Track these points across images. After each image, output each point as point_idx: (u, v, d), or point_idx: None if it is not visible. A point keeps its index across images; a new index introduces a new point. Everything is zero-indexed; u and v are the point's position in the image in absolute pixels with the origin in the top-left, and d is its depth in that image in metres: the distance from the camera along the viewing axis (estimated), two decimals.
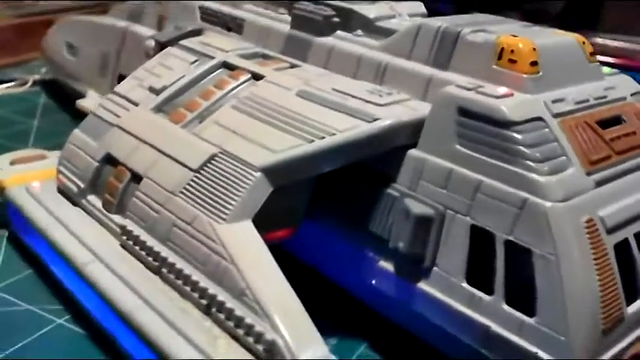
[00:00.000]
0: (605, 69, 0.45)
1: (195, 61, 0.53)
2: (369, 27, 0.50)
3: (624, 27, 1.05)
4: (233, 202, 0.40)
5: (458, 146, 0.39)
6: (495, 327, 0.37)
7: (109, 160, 0.48)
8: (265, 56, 0.53)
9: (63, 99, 0.84)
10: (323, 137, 0.41)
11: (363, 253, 0.43)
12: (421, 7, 0.53)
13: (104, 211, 0.46)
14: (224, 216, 0.39)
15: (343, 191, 0.44)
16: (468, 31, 0.43)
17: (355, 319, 0.46)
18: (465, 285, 0.38)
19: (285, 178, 0.41)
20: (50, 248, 0.47)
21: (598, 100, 0.41)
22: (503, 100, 0.38)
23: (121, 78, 0.65)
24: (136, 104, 0.50)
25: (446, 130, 0.39)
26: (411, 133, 0.41)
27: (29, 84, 0.92)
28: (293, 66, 0.51)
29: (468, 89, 0.39)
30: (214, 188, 0.41)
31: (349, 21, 0.50)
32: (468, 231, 0.38)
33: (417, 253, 0.40)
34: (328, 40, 0.51)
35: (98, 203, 0.47)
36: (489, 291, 0.37)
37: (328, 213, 0.45)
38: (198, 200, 0.41)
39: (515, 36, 0.41)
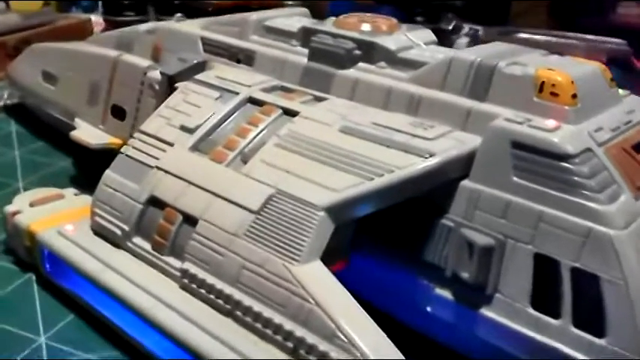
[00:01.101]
0: (620, 91, 0.49)
1: (219, 97, 0.54)
2: (392, 59, 0.52)
3: (529, 19, 1.10)
4: (303, 244, 0.41)
5: (514, 178, 0.42)
6: (564, 348, 0.40)
7: (154, 202, 0.49)
8: (284, 88, 0.55)
9: (35, 125, 0.84)
10: (382, 175, 0.43)
11: (417, 281, 0.45)
12: (431, 35, 0.56)
13: (156, 254, 0.47)
14: (297, 257, 0.41)
15: (393, 221, 0.46)
16: (504, 65, 0.45)
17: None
18: (530, 310, 0.41)
19: (346, 216, 0.43)
20: (102, 293, 0.47)
21: (626, 125, 0.45)
22: (556, 133, 0.41)
23: (115, 108, 0.66)
24: (170, 144, 0.51)
25: (500, 163, 0.42)
26: (463, 165, 0.44)
27: None
28: (317, 98, 0.52)
29: (519, 122, 0.42)
30: (279, 229, 0.42)
31: (371, 53, 0.52)
32: (532, 259, 0.41)
33: (480, 282, 0.42)
34: (352, 73, 0.53)
35: (146, 245, 0.48)
36: (555, 315, 0.40)
37: (378, 243, 0.47)
38: (266, 242, 0.42)
39: (551, 69, 0.44)
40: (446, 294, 0.44)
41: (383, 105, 0.50)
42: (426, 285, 0.45)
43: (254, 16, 0.61)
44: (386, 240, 0.47)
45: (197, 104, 0.53)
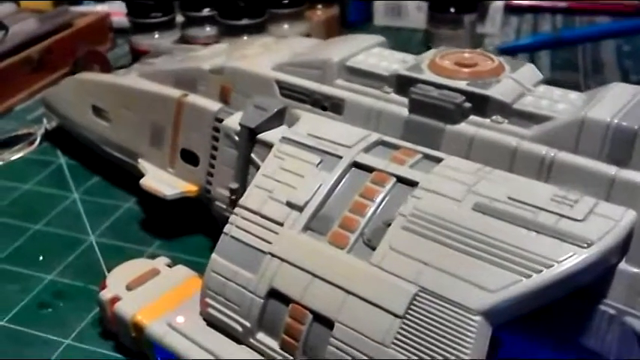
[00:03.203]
0: None
1: (321, 162, 0.50)
2: (507, 111, 0.48)
3: None
4: (464, 356, 0.38)
5: None
6: None
7: (276, 295, 0.46)
8: (387, 144, 0.51)
9: (82, 153, 0.81)
10: (539, 270, 0.40)
11: None
12: (537, 73, 0.52)
13: (286, 355, 0.45)
14: None
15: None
16: None
17: None
18: None
19: (503, 318, 0.40)
20: None
21: None
22: None
23: (186, 153, 0.62)
24: (279, 223, 0.48)
25: None
26: (621, 249, 0.41)
27: (38, 140, 0.86)
28: (427, 156, 0.49)
29: None
30: (431, 337, 0.40)
31: (483, 106, 0.49)
32: None
33: None
34: (465, 129, 0.49)
35: (273, 344, 0.46)
36: None
37: (530, 326, 0.44)
38: (418, 352, 0.40)
39: None
40: None
41: (507, 167, 0.47)
42: None
43: (336, 57, 0.56)
44: (537, 323, 0.44)
45: (298, 173, 0.50)
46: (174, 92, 0.65)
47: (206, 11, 1.00)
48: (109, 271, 0.60)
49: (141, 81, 0.70)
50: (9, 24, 1.02)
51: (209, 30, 1.00)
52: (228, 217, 0.57)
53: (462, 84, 0.50)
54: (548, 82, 0.52)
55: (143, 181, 0.66)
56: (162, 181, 0.66)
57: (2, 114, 0.94)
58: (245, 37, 0.94)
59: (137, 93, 0.69)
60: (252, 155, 0.57)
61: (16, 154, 0.83)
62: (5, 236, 0.66)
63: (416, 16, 1.18)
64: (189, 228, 0.67)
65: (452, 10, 1.05)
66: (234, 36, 0.95)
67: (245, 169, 0.58)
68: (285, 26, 1.00)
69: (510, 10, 1.22)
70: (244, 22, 0.94)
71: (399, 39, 1.16)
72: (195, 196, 0.64)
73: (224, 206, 0.60)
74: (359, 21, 1.23)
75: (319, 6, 1.09)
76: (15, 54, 0.98)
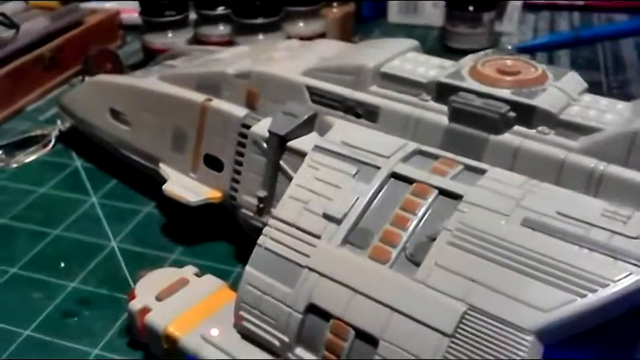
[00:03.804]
0: None
1: (357, 172, 0.49)
2: (553, 121, 0.47)
3: None
4: None
5: None
6: None
7: (315, 310, 0.44)
8: (425, 153, 0.50)
9: (97, 155, 0.79)
10: (594, 289, 0.38)
11: None
12: (581, 81, 0.51)
13: None
14: None
15: None
16: None
17: None
18: None
19: (555, 338, 0.39)
20: None
21: None
22: None
23: (209, 158, 0.61)
24: (316, 236, 0.46)
25: None
26: None
27: (53, 142, 0.85)
28: (468, 167, 0.48)
29: None
30: (480, 356, 0.39)
31: (528, 116, 0.47)
32: None
33: None
34: (510, 139, 0.48)
35: (312, 359, 0.44)
36: None
37: (580, 345, 0.43)
38: None
39: None
40: None
41: (554, 180, 0.45)
42: None
43: (371, 63, 0.55)
44: (589, 342, 0.42)
45: (334, 183, 0.48)
46: (198, 96, 0.64)
47: (220, 9, 0.98)
48: (132, 277, 0.59)
49: (162, 84, 0.69)
50: (19, 22, 1.00)
51: (222, 29, 0.98)
52: (255, 225, 0.56)
53: (506, 93, 0.48)
54: None
55: (166, 187, 0.64)
56: (185, 186, 0.65)
57: (14, 114, 0.91)
58: (260, 36, 0.92)
59: (158, 96, 0.67)
60: (281, 163, 0.56)
61: (30, 156, 0.81)
62: (24, 241, 0.65)
63: (432, 13, 1.17)
64: (210, 233, 0.66)
65: (471, 8, 1.04)
66: (248, 35, 0.93)
67: (274, 177, 0.57)
68: (301, 24, 0.98)
69: (527, 7, 1.20)
70: (259, 20, 0.92)
71: (414, 36, 1.14)
72: (218, 202, 0.63)
73: (251, 214, 0.58)
74: (372, 17, 1.21)
75: (335, 4, 1.07)
76: (26, 52, 0.96)
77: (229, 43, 0.94)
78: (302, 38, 0.92)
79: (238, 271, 0.61)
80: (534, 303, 0.39)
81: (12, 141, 0.84)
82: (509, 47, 1.07)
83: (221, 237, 0.66)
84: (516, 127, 0.48)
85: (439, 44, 1.12)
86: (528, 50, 1.05)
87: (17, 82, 0.93)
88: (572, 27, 1.18)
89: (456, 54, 1.01)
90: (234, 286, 0.53)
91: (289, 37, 0.94)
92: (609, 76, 0.98)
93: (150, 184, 0.70)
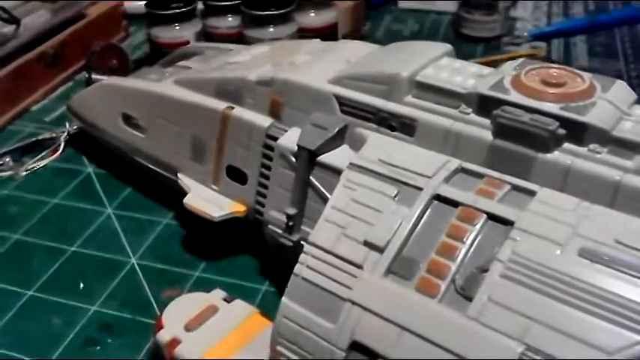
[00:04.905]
0: None
1: (398, 194, 0.46)
2: (605, 139, 0.44)
3: None
4: None
5: None
6: None
7: (359, 348, 0.42)
8: (468, 171, 0.47)
9: (109, 160, 0.77)
10: None
11: None
12: (630, 92, 0.48)
13: None
14: None
15: None
16: None
17: None
18: None
19: None
20: None
21: None
22: None
23: (232, 170, 0.58)
24: (358, 266, 0.44)
25: None
26: None
27: (62, 146, 0.82)
28: (516, 187, 0.45)
29: None
30: None
31: (579, 132, 0.45)
32: None
33: None
34: (560, 158, 0.45)
35: None
36: None
37: None
38: None
39: None
40: None
41: (608, 202, 0.43)
42: None
43: (405, 72, 0.52)
44: None
45: (374, 207, 0.46)
46: (218, 104, 0.61)
47: (229, 0, 0.94)
48: (154, 298, 0.57)
49: (178, 89, 0.65)
50: (20, 16, 0.96)
51: (231, 20, 0.94)
52: (282, 243, 0.53)
53: (554, 107, 0.45)
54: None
55: (187, 201, 0.62)
56: (207, 199, 0.62)
57: (19, 115, 0.88)
58: (271, 28, 0.89)
59: (176, 103, 0.64)
60: (311, 178, 0.53)
61: (39, 163, 0.78)
62: (40, 260, 0.62)
63: None
64: (233, 246, 0.64)
65: None
66: (258, 27, 0.90)
67: (303, 193, 0.54)
68: (312, 14, 0.95)
69: None
70: (271, 12, 0.88)
71: (426, 23, 1.11)
72: (242, 216, 0.60)
73: (279, 231, 0.56)
74: (382, 3, 1.18)
75: None
76: (28, 49, 0.92)
77: (238, 35, 0.90)
78: (314, 29, 0.89)
79: (265, 289, 0.59)
80: (597, 344, 0.36)
81: (19, 146, 0.81)
82: (526, 34, 1.04)
83: (244, 250, 0.63)
84: (566, 145, 0.45)
85: (452, 31, 1.08)
86: (544, 36, 1.02)
87: (21, 81, 0.90)
88: (586, 11, 1.14)
89: (469, 41, 0.99)
90: (262, 307, 0.51)
91: (300, 29, 0.90)
92: (629, 64, 0.95)
93: (166, 191, 0.68)
